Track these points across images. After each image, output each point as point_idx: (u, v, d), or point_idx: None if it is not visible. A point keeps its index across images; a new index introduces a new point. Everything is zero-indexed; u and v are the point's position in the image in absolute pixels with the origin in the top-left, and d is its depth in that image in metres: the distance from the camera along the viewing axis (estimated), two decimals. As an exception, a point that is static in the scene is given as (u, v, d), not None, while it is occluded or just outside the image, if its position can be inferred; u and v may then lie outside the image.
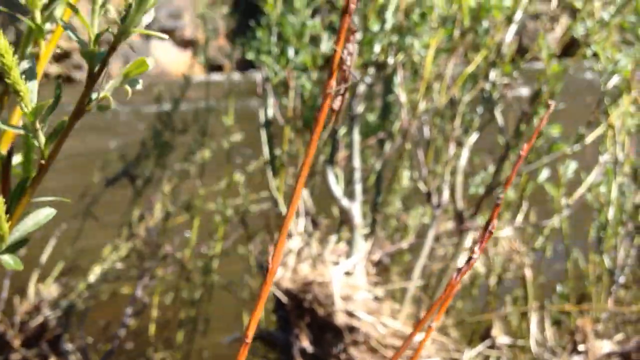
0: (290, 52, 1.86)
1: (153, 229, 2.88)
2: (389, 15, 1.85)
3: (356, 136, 1.81)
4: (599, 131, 1.83)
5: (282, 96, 1.93)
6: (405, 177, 2.11)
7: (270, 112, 1.94)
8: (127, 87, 0.47)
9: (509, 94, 1.97)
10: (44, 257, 2.82)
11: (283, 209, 1.89)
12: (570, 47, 2.06)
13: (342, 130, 1.88)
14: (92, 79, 0.48)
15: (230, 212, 2.73)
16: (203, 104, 3.07)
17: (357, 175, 1.80)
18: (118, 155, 3.01)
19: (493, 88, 1.94)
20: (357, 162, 1.80)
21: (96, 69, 0.48)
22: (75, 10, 0.49)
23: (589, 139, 1.80)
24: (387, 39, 1.80)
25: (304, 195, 1.86)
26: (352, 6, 0.48)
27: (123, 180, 2.97)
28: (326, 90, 0.48)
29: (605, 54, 1.93)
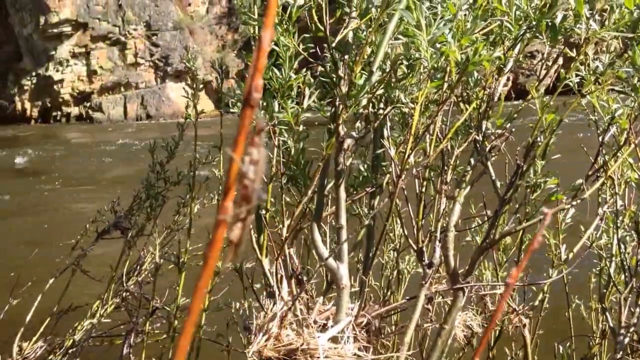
0: (275, 105, 1.81)
1: (142, 282, 2.80)
2: (375, 67, 1.80)
3: (342, 193, 1.74)
4: (598, 184, 1.75)
5: (267, 150, 1.87)
6: (397, 230, 2.03)
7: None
8: None
9: (502, 145, 1.90)
10: (30, 314, 2.73)
11: (266, 267, 1.81)
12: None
13: (329, 186, 1.81)
14: None
15: (220, 265, 2.64)
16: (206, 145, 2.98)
17: (344, 234, 1.72)
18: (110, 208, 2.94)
19: (485, 139, 1.87)
20: (343, 220, 1.73)
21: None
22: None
23: (588, 192, 1.72)
24: (374, 91, 1.73)
25: (289, 254, 1.78)
26: (257, 96, 0.35)
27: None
28: (219, 217, 0.35)
29: (601, 102, 1.87)
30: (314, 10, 1.82)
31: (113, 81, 36.12)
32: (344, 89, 1.75)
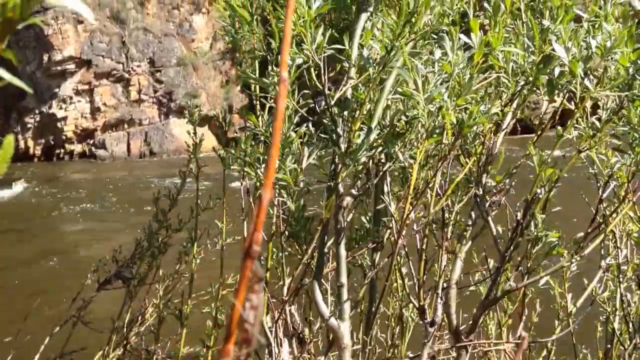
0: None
1: (143, 333, 2.78)
2: (374, 124, 1.81)
3: (342, 251, 1.74)
4: (598, 241, 1.74)
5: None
6: (399, 281, 2.02)
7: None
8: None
9: (502, 199, 1.90)
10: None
11: (266, 326, 1.79)
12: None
13: (329, 243, 1.81)
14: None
15: (223, 317, 2.62)
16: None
17: (345, 292, 1.71)
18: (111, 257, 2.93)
19: (485, 194, 1.87)
20: (343, 278, 1.72)
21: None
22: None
23: (588, 250, 1.71)
24: (373, 150, 1.74)
25: (289, 312, 1.77)
26: (256, 249, 0.40)
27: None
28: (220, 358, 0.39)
29: (600, 157, 1.87)
30: (312, 69, 1.83)
31: (116, 118, 36.31)
32: (343, 146, 1.76)
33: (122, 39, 37.12)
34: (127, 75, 37.03)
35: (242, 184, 1.89)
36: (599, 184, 1.89)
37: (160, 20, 39.12)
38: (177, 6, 39.72)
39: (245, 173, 1.85)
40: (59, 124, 35.14)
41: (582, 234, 1.90)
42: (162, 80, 37.68)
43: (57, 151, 35.59)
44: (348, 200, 1.75)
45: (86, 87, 35.92)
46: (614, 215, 1.78)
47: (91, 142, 35.79)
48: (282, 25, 1.72)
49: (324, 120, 1.82)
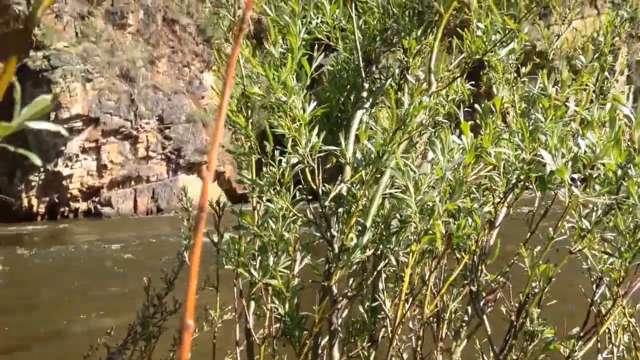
0: (270, 260, 1.83)
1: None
2: (368, 222, 1.83)
3: (335, 353, 1.73)
4: (591, 343, 1.73)
5: (261, 305, 1.88)
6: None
7: (250, 322, 1.88)
8: None
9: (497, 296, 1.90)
10: None
11: None
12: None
13: (323, 342, 1.80)
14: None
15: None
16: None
17: (339, 398, 1.70)
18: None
19: (480, 291, 1.88)
20: (338, 383, 1.71)
21: None
22: None
23: (582, 352, 1.71)
24: (367, 249, 1.76)
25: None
26: None
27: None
28: None
29: (593, 253, 1.88)
30: (307, 169, 1.87)
31: (123, 175, 36.38)
32: (337, 246, 1.78)
33: (131, 96, 37.48)
34: (135, 133, 37.29)
35: (234, 284, 1.90)
36: (592, 279, 1.89)
37: (170, 78, 39.67)
38: (187, 64, 40.36)
39: (238, 273, 1.86)
40: (64, 182, 34.90)
41: (577, 329, 1.90)
42: (171, 137, 37.96)
43: (62, 209, 35.25)
44: (343, 302, 1.76)
45: (93, 144, 36.01)
46: (609, 313, 1.78)
47: (96, 199, 35.64)
48: (276, 130, 1.77)
49: (317, 221, 1.84)
